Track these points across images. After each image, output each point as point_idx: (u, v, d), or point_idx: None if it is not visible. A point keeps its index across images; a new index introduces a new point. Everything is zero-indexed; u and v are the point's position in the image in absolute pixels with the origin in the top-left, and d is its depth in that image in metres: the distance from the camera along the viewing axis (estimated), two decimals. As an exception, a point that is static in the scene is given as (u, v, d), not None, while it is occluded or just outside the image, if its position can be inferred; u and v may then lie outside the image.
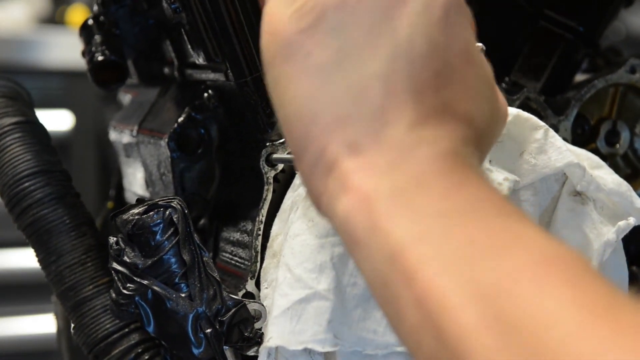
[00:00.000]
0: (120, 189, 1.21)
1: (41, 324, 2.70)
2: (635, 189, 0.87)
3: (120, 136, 1.13)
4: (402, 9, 0.63)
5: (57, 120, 2.84)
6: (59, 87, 2.88)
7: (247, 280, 0.87)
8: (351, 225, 0.60)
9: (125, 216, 0.84)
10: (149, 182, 1.06)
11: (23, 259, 2.72)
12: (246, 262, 0.90)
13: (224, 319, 0.84)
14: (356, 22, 0.63)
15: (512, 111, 0.84)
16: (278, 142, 0.88)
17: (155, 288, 0.83)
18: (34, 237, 0.93)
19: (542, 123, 0.84)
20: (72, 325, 0.91)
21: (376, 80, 0.62)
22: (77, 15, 3.04)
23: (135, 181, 1.12)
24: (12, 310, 2.78)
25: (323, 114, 0.63)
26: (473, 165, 0.62)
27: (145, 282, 0.83)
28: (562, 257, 0.55)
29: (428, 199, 0.59)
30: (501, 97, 0.70)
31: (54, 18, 3.12)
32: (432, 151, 0.61)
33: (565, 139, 0.95)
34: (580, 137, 1.01)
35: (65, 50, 2.84)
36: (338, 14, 0.63)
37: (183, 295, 0.83)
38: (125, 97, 1.24)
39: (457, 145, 0.62)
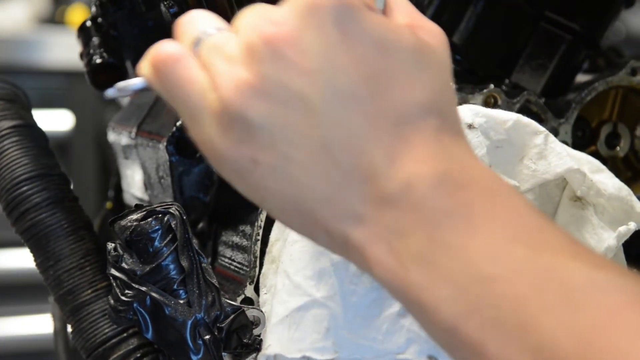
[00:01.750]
0: (118, 190, 1.21)
1: (40, 324, 2.70)
2: (635, 192, 0.86)
3: (118, 137, 1.13)
4: (314, 85, 0.62)
5: (57, 120, 2.84)
6: (59, 87, 2.89)
7: (246, 286, 0.87)
8: (404, 294, 0.61)
9: (123, 222, 0.84)
10: (147, 185, 1.06)
11: (22, 259, 2.72)
12: (245, 267, 0.90)
13: (223, 325, 0.83)
14: (277, 112, 0.62)
15: (512, 116, 0.83)
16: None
17: (154, 294, 0.83)
18: (32, 242, 0.93)
19: (542, 128, 0.84)
20: (71, 329, 0.91)
21: (332, 149, 0.61)
22: (77, 15, 3.04)
23: (133, 183, 1.12)
24: (11, 310, 2.78)
25: (308, 204, 0.62)
26: (467, 151, 0.63)
27: (143, 288, 0.83)
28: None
29: (453, 253, 0.59)
30: (429, 40, 0.67)
31: (54, 18, 3.12)
32: (427, 183, 0.60)
33: (565, 142, 0.94)
34: (581, 140, 1.01)
35: (65, 50, 2.84)
36: (258, 112, 0.62)
37: (181, 301, 0.83)
38: (124, 98, 1.24)
39: (442, 145, 0.62)
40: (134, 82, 0.70)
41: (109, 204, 1.24)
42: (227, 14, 0.88)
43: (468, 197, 0.60)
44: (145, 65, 0.68)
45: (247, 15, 0.65)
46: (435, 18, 0.98)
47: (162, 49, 0.66)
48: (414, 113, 0.62)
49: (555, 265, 0.58)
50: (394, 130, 0.61)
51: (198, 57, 0.65)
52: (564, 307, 0.56)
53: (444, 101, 0.64)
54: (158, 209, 0.84)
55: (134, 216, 0.84)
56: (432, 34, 0.66)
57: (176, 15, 0.91)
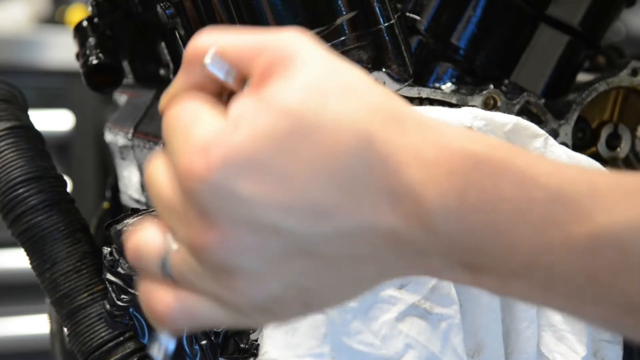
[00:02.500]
0: (116, 190, 1.20)
1: (39, 324, 2.69)
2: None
3: (115, 138, 1.12)
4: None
5: (57, 120, 2.84)
6: (59, 87, 2.88)
7: (243, 289, 0.86)
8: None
9: (119, 227, 0.84)
10: (144, 187, 1.06)
11: (21, 259, 2.71)
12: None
13: (219, 330, 0.83)
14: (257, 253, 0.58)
15: (512, 119, 0.83)
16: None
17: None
18: (28, 244, 0.92)
19: (541, 131, 0.83)
20: (67, 332, 0.91)
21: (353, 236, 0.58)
22: (77, 15, 3.03)
23: (130, 184, 1.11)
24: (10, 310, 2.78)
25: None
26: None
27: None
28: None
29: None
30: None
31: (54, 18, 3.12)
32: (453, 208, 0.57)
33: (565, 143, 0.94)
34: (581, 141, 1.00)
35: (65, 50, 2.83)
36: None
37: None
38: (121, 98, 1.23)
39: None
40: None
41: (106, 204, 1.23)
42: (222, 19, 0.87)
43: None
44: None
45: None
46: (434, 18, 0.97)
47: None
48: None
49: None
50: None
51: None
52: None
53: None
54: (154, 212, 0.83)
55: (130, 220, 0.84)
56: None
57: (172, 16, 0.90)
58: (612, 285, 0.56)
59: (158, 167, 0.60)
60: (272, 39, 0.59)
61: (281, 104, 0.56)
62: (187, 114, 0.59)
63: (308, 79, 0.57)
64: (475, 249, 0.57)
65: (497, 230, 0.56)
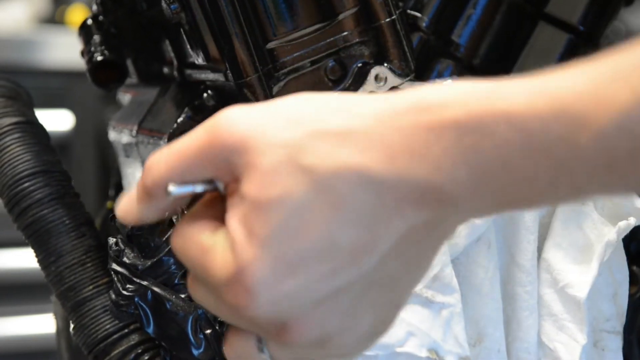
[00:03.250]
0: (119, 188, 1.21)
1: (41, 324, 2.70)
2: (635, 190, 0.87)
3: (119, 136, 1.13)
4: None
5: (57, 120, 2.84)
6: (59, 87, 2.88)
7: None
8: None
9: (124, 217, 0.84)
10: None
11: (23, 259, 2.72)
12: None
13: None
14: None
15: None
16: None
17: (155, 289, 0.83)
18: (34, 238, 0.93)
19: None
20: (72, 325, 0.91)
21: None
22: (77, 15, 3.04)
23: (134, 181, 1.12)
24: (12, 310, 2.78)
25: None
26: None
27: (145, 283, 0.83)
28: None
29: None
30: None
31: (54, 18, 3.12)
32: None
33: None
34: (581, 137, 1.01)
35: (65, 50, 2.84)
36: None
37: (183, 296, 0.83)
38: (125, 97, 1.24)
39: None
40: None
41: (109, 204, 1.24)
42: (226, 14, 0.88)
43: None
44: None
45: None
46: (435, 16, 0.98)
47: None
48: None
49: None
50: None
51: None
52: None
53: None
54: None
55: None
56: None
57: (177, 12, 0.91)
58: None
59: (202, 295, 0.65)
60: (213, 137, 0.61)
61: (263, 198, 0.59)
62: (193, 249, 0.63)
63: (272, 160, 0.59)
64: (500, 193, 0.58)
65: (510, 166, 0.58)
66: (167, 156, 0.62)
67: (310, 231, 0.58)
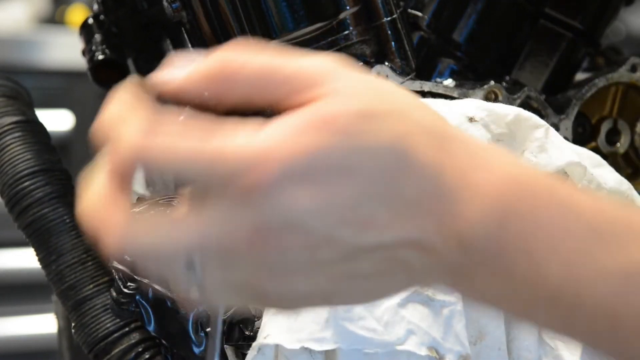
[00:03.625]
0: (120, 188, 1.21)
1: (41, 324, 2.70)
2: (636, 188, 0.87)
3: (120, 135, 1.13)
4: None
5: (57, 120, 2.84)
6: (59, 87, 2.88)
7: (247, 279, 0.87)
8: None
9: (125, 215, 0.84)
10: (149, 181, 1.06)
11: (23, 259, 2.72)
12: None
13: (225, 317, 0.83)
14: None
15: (513, 110, 0.83)
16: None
17: (156, 287, 0.83)
18: (34, 236, 0.93)
19: (542, 122, 0.84)
20: (73, 324, 0.91)
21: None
22: (77, 15, 3.04)
23: (135, 180, 1.12)
24: (12, 310, 2.78)
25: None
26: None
27: (146, 281, 0.83)
28: None
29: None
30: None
31: (54, 18, 3.12)
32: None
33: (566, 138, 0.94)
34: (581, 136, 1.01)
35: (65, 50, 2.84)
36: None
37: (184, 294, 0.83)
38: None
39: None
40: None
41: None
42: (228, 13, 0.88)
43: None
44: None
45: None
46: (435, 15, 0.98)
47: None
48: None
49: None
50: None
51: None
52: None
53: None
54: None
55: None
56: None
57: (178, 10, 0.91)
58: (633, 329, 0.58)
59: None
60: (306, 66, 0.59)
61: (333, 124, 0.57)
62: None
63: (356, 101, 0.58)
64: (505, 273, 0.58)
65: (530, 258, 0.58)
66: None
67: (350, 180, 0.57)
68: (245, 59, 0.59)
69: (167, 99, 0.60)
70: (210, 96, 0.60)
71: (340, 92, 0.58)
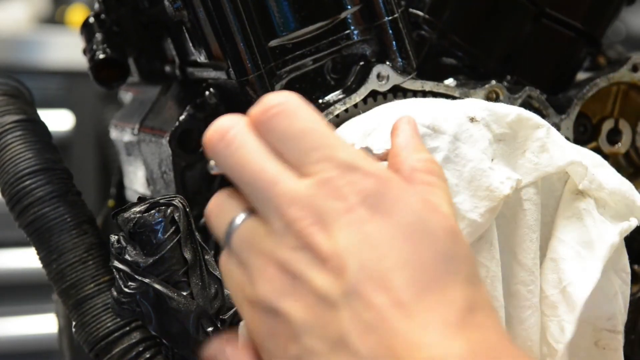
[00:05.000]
0: (121, 187, 1.21)
1: (41, 324, 2.69)
2: (637, 188, 0.87)
3: (121, 134, 1.13)
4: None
5: (57, 120, 2.84)
6: (59, 87, 2.88)
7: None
8: None
9: (126, 214, 0.84)
10: (150, 181, 1.06)
11: (23, 259, 2.72)
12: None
13: (226, 317, 0.83)
14: (304, 307, 0.64)
15: (514, 110, 0.83)
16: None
17: (157, 286, 0.83)
18: (35, 235, 0.93)
19: (544, 122, 0.84)
20: (73, 323, 0.91)
21: (351, 340, 0.62)
22: (77, 15, 3.04)
23: (136, 179, 1.12)
24: (12, 310, 2.78)
25: None
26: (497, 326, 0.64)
27: (146, 280, 0.83)
28: None
29: None
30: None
31: (54, 18, 3.12)
32: None
33: (567, 138, 0.94)
34: (582, 136, 1.01)
35: (65, 50, 2.84)
36: (286, 305, 0.64)
37: (185, 293, 0.83)
38: (127, 95, 1.24)
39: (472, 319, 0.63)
40: None
41: (111, 202, 1.24)
42: (229, 12, 0.88)
43: None
44: None
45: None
46: (437, 14, 0.98)
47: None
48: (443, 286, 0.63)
49: None
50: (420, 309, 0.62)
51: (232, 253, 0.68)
52: None
53: (471, 267, 0.65)
54: (161, 201, 0.84)
55: (137, 208, 0.84)
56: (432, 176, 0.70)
57: (179, 9, 0.91)
58: None
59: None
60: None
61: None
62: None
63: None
64: None
65: None
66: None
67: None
68: None
69: None
70: None
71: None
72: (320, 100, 0.92)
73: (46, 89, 2.87)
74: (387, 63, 0.92)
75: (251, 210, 0.68)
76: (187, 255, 0.83)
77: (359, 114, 0.90)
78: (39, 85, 2.82)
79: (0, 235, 2.49)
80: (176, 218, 0.84)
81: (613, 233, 0.84)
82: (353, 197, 0.64)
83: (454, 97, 0.93)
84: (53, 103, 2.83)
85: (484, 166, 0.80)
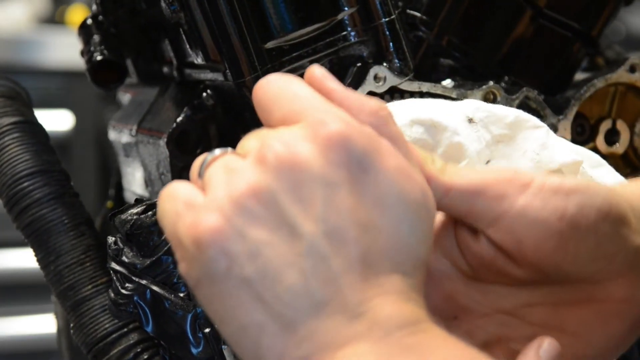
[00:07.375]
0: (119, 188, 1.21)
1: (41, 324, 2.70)
2: (635, 189, 0.87)
3: (119, 135, 1.13)
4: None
5: (57, 120, 2.84)
6: (59, 87, 2.89)
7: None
8: None
9: (123, 216, 0.84)
10: (148, 182, 1.06)
11: (23, 259, 2.72)
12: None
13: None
14: (267, 231, 0.62)
15: (513, 112, 0.83)
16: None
17: (154, 288, 0.83)
18: (33, 237, 0.93)
19: (542, 123, 0.84)
20: (71, 324, 0.91)
21: (310, 280, 0.61)
22: (77, 15, 3.04)
23: (134, 181, 1.12)
24: (12, 310, 2.78)
25: (267, 323, 0.61)
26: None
27: (143, 282, 0.83)
28: None
29: None
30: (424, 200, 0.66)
31: (54, 18, 3.13)
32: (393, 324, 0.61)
33: (564, 138, 0.94)
34: (580, 137, 1.01)
35: (65, 50, 2.85)
36: (249, 225, 0.62)
37: (182, 295, 0.83)
38: (125, 97, 1.24)
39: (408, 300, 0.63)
40: None
41: (109, 203, 1.24)
42: (226, 14, 0.88)
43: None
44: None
45: (264, 135, 0.64)
46: (434, 15, 0.98)
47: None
48: (389, 266, 0.63)
49: None
50: (369, 278, 0.62)
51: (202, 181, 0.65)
52: None
53: (418, 258, 0.64)
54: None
55: (134, 210, 0.84)
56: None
57: (176, 11, 0.91)
58: None
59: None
60: None
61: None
62: None
63: None
64: None
65: None
66: None
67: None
68: None
69: None
70: None
71: None
72: (317, 102, 0.92)
73: (46, 89, 2.87)
74: (384, 64, 0.92)
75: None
76: (184, 256, 0.83)
77: (357, 115, 0.90)
78: (38, 85, 2.83)
79: (0, 235, 2.49)
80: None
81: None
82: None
83: (451, 98, 0.93)
84: (53, 103, 2.83)
85: (479, 167, 0.80)
